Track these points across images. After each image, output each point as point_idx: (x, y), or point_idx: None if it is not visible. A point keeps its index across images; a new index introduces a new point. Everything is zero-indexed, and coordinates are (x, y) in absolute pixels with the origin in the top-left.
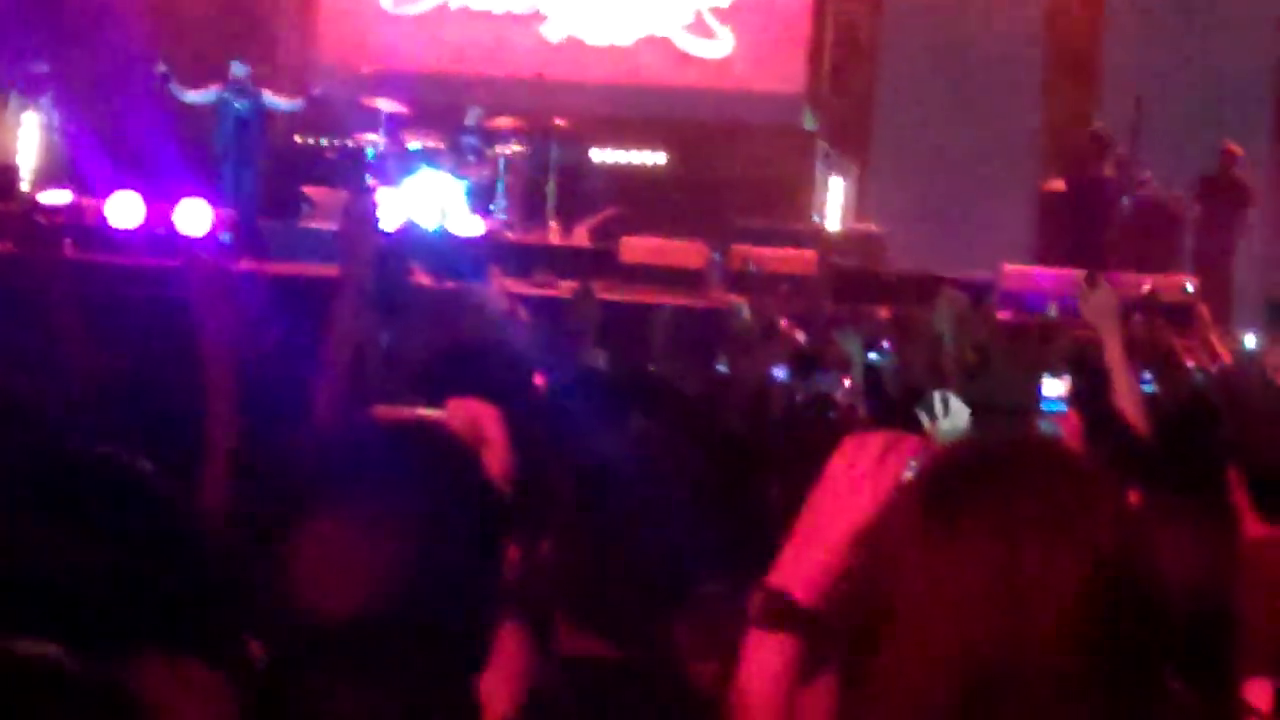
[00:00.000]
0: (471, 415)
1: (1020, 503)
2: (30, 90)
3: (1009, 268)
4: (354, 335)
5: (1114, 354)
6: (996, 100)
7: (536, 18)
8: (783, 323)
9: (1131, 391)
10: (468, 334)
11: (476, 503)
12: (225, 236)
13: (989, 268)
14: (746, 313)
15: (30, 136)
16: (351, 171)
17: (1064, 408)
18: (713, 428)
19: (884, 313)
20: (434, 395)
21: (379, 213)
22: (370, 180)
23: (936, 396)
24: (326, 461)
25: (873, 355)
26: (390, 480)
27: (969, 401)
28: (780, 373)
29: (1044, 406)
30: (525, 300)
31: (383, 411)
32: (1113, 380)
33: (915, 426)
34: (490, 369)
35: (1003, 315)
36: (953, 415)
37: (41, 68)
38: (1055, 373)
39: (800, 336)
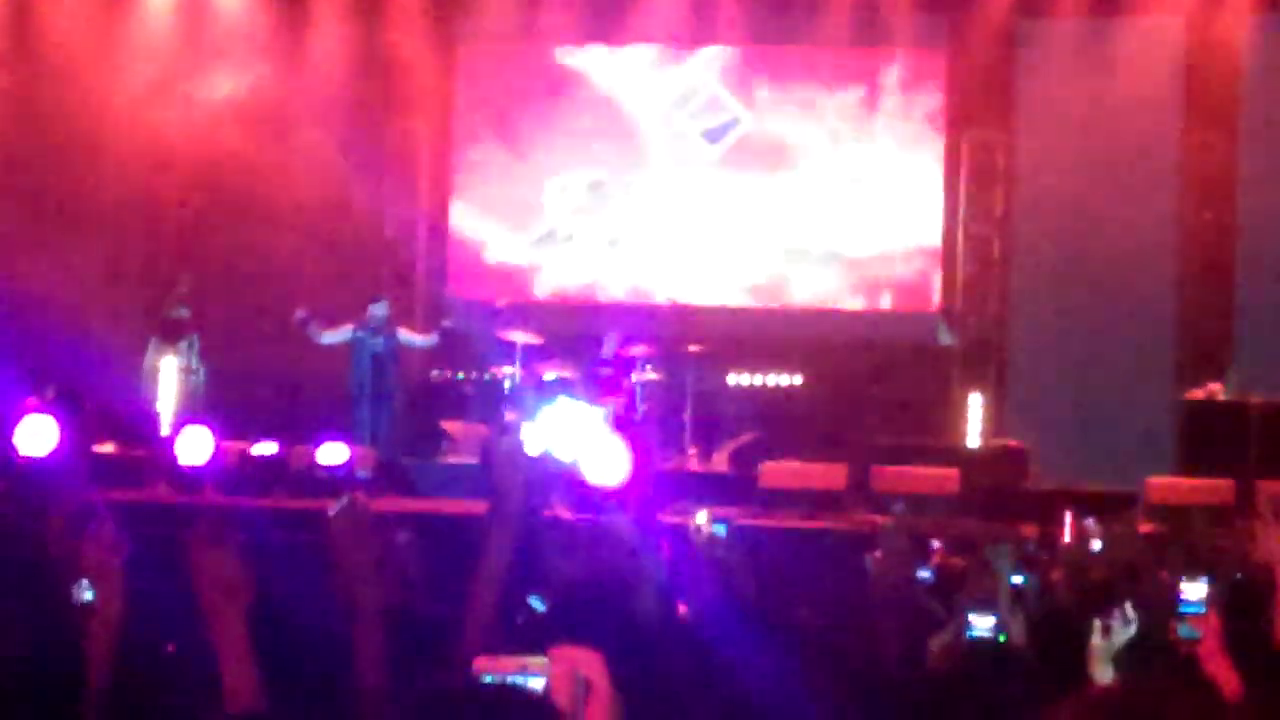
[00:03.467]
0: (574, 663)
1: None
2: (169, 335)
3: (1153, 480)
4: (504, 571)
5: None
6: (1131, 308)
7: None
8: (935, 544)
9: None
10: (607, 567)
11: None
12: (364, 474)
13: (1132, 480)
14: (894, 529)
15: (170, 380)
16: (489, 405)
17: (1204, 609)
18: (864, 666)
19: (1028, 530)
20: (568, 630)
21: (526, 448)
22: (509, 413)
23: (1116, 613)
24: None
25: (1018, 578)
26: None
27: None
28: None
29: (1183, 609)
30: (665, 530)
31: (483, 664)
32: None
33: (1068, 648)
34: (628, 603)
35: (1145, 528)
36: (1121, 631)
37: (181, 313)
38: (1193, 576)
39: (953, 559)
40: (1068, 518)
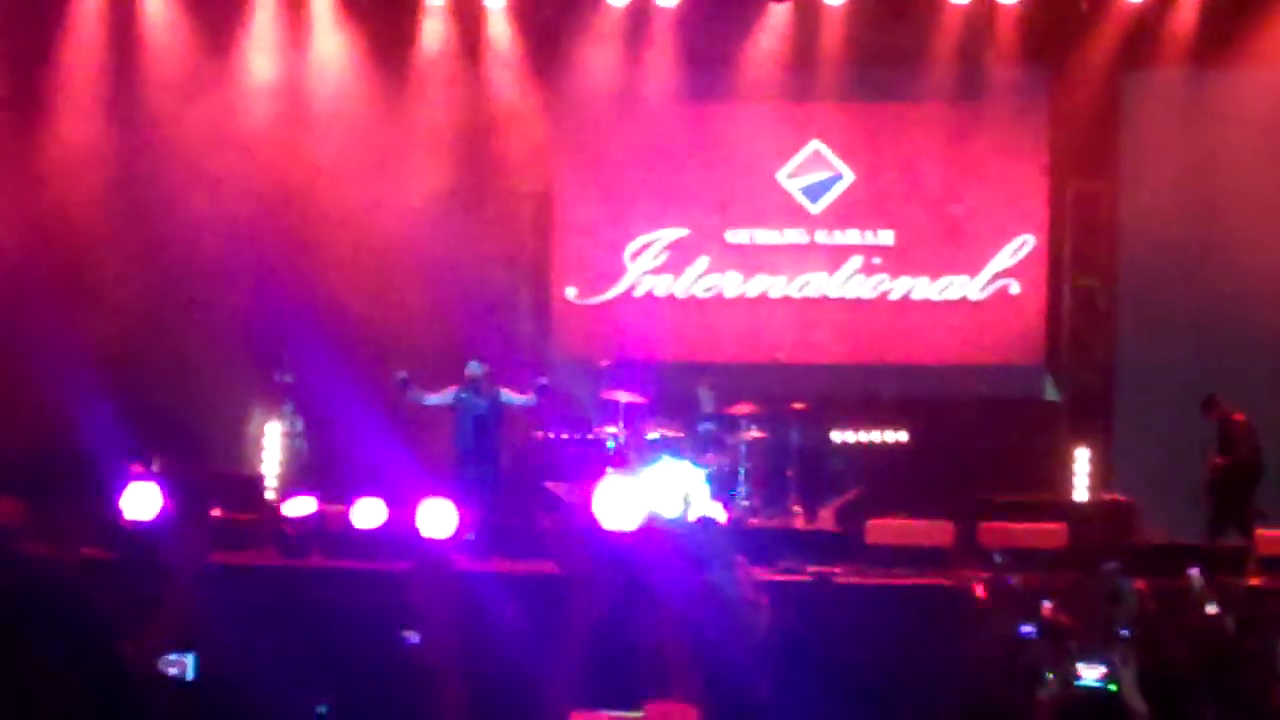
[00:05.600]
0: (669, 718)
1: None
2: (273, 400)
3: (1262, 532)
4: (589, 630)
5: None
6: (1240, 359)
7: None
8: (1045, 606)
9: None
10: (706, 623)
11: None
12: (469, 536)
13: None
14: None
15: (274, 446)
16: (593, 465)
17: None
18: None
19: (1139, 584)
20: (663, 685)
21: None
22: (611, 472)
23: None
24: None
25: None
26: None
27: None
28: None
29: None
30: (772, 587)
31: (579, 718)
32: None
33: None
34: (725, 658)
35: (1255, 582)
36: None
37: (285, 378)
38: None
39: (1062, 617)
40: (1193, 572)
